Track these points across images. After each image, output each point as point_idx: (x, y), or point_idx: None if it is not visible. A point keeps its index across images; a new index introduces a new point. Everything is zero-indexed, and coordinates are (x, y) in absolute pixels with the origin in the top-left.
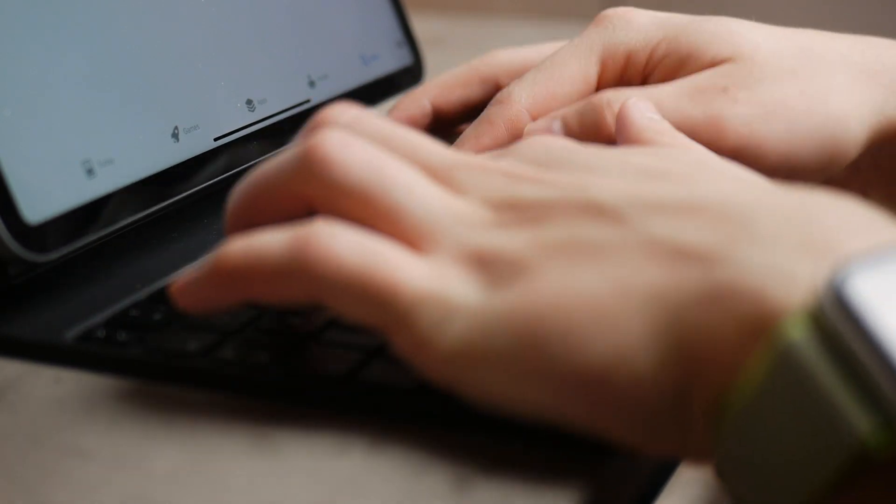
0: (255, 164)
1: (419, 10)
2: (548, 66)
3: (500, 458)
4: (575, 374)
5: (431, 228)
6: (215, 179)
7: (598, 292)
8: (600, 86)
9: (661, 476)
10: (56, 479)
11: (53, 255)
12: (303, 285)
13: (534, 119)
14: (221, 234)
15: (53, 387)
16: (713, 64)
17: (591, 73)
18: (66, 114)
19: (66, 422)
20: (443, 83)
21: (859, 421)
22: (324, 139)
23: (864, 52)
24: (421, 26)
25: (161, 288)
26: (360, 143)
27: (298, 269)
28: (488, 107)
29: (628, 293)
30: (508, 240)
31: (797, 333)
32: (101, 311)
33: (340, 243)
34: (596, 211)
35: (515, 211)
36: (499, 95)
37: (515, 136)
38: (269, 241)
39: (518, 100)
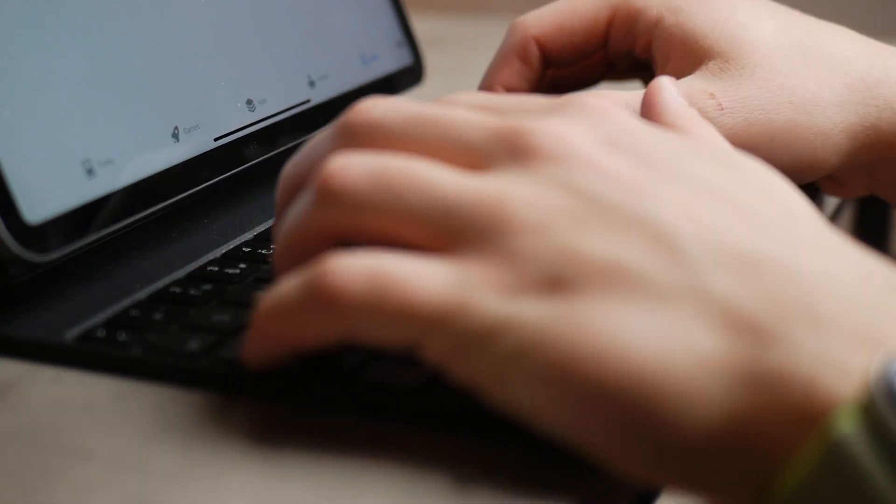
0: (255, 164)
1: (419, 10)
2: (563, 1)
3: (500, 458)
4: (604, 415)
5: (452, 226)
6: (215, 179)
7: (641, 348)
8: (608, 34)
9: None
10: (56, 480)
11: (53, 255)
12: (328, 326)
13: (540, 47)
14: (222, 234)
15: (53, 387)
16: (707, 55)
17: (602, 15)
18: (66, 114)
19: (66, 422)
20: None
21: None
22: (326, 171)
23: (872, 57)
24: (421, 26)
25: (161, 288)
26: (362, 160)
27: (317, 311)
28: (504, 38)
29: (672, 356)
30: (544, 238)
31: (847, 427)
32: (101, 311)
33: (348, 274)
34: (651, 234)
35: (558, 195)
36: (512, 25)
37: (528, 63)
38: (288, 288)
39: (527, 28)
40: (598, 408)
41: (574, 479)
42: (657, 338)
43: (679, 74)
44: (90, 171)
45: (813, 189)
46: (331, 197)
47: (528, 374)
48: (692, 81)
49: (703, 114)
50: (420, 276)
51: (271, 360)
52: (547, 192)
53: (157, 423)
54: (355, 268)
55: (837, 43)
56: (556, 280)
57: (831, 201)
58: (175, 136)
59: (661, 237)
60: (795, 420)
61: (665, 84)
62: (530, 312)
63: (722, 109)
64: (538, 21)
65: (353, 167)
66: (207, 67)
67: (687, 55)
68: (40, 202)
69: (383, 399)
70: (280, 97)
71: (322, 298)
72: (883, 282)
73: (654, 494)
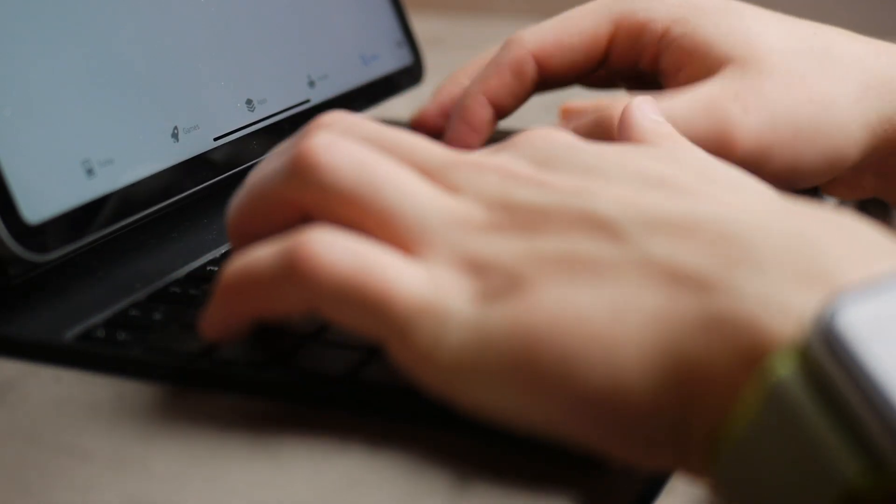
0: (255, 164)
1: (419, 10)
2: (561, 17)
3: (499, 458)
4: (571, 395)
5: (423, 230)
6: (215, 179)
7: (595, 316)
8: (610, 49)
9: (661, 475)
10: (56, 479)
11: (53, 255)
12: (298, 296)
13: (538, 64)
14: (221, 234)
15: (53, 387)
16: (723, 61)
17: (602, 32)
18: (66, 114)
19: (66, 422)
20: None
21: (846, 464)
22: (312, 144)
23: (880, 56)
24: (421, 26)
25: (161, 288)
26: (348, 145)
27: (292, 279)
28: (499, 49)
29: (624, 317)
30: (503, 246)
31: (785, 369)
32: (101, 311)
33: (332, 251)
34: (593, 224)
35: (511, 213)
36: (509, 38)
37: (520, 80)
38: (262, 255)
39: (525, 44)
40: (560, 388)
41: (574, 478)
42: (608, 304)
43: (692, 82)
44: (90, 171)
45: (812, 189)
46: (310, 170)
47: (493, 371)
48: (713, 85)
49: (729, 116)
50: (401, 272)
51: (232, 331)
52: (497, 213)
53: (157, 423)
54: (340, 245)
55: (844, 44)
56: (515, 281)
57: (831, 201)
58: (175, 136)
59: (602, 225)
60: (742, 363)
61: (637, 104)
62: (495, 313)
63: (747, 111)
64: (537, 36)
65: (338, 146)
66: (207, 67)
67: (701, 63)
68: (40, 202)
69: (383, 399)
70: (280, 97)
71: (300, 268)
72: (821, 229)
73: (654, 494)
